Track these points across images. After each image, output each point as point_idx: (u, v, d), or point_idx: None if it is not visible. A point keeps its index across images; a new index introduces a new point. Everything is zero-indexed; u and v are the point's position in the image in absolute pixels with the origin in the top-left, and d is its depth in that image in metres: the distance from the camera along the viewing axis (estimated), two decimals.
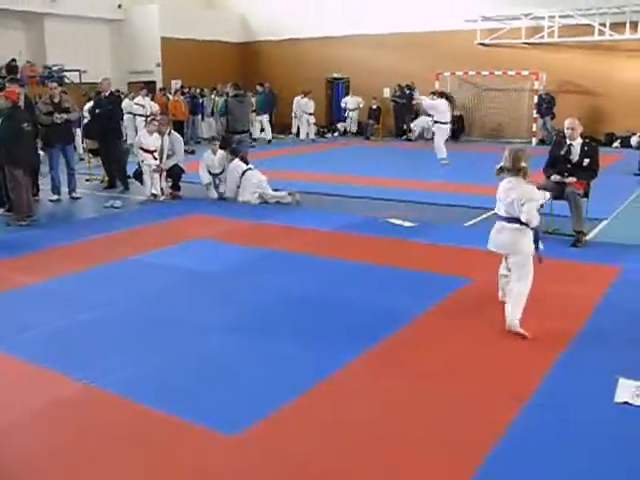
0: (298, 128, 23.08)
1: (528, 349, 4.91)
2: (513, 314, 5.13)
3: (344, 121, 24.70)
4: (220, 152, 11.26)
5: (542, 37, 20.28)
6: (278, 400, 4.09)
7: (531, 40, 20.51)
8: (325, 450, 3.59)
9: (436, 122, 15.05)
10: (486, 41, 21.17)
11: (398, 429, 3.79)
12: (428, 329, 5.35)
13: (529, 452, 3.54)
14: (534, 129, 20.71)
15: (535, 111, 20.55)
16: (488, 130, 22.09)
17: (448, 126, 15.32)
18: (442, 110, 14.87)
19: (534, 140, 20.53)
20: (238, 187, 10.99)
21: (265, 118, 21.79)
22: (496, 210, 5.39)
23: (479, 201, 10.27)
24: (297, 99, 22.35)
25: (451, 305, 5.91)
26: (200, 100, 22.15)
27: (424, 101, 15.59)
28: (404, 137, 22.33)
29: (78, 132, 15.33)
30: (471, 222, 9.16)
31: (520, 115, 21.30)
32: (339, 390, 4.29)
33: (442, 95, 15.42)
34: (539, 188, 8.03)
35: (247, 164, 10.99)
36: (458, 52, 21.31)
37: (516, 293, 5.18)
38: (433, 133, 15.83)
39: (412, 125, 19.21)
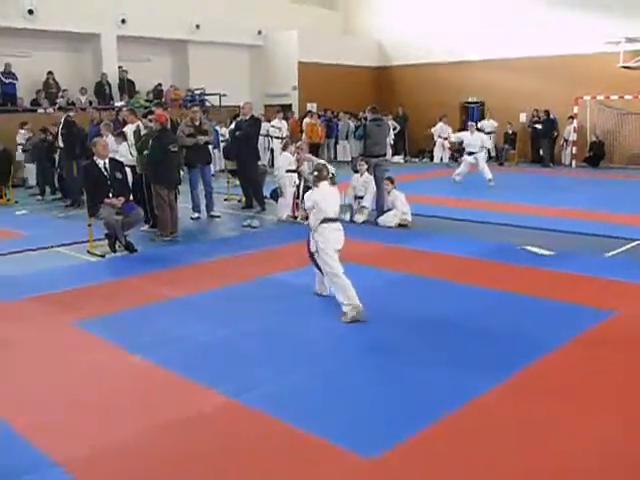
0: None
1: None
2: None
3: None
4: (366, 175, 11.34)
5: None
6: (416, 424, 4.06)
7: None
8: None
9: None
10: (630, 64, 20.32)
11: (539, 461, 3.67)
12: (571, 360, 5.16)
13: None
14: None
15: None
16: (630, 156, 21.10)
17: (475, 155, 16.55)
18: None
19: None
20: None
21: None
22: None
23: (621, 231, 9.88)
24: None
25: (596, 336, 5.67)
26: (335, 123, 22.46)
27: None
28: (541, 163, 21.74)
29: (215, 153, 15.89)
30: (613, 252, 8.77)
31: None
32: (479, 418, 4.20)
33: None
34: None
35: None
36: (598, 75, 20.50)
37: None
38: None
39: None
